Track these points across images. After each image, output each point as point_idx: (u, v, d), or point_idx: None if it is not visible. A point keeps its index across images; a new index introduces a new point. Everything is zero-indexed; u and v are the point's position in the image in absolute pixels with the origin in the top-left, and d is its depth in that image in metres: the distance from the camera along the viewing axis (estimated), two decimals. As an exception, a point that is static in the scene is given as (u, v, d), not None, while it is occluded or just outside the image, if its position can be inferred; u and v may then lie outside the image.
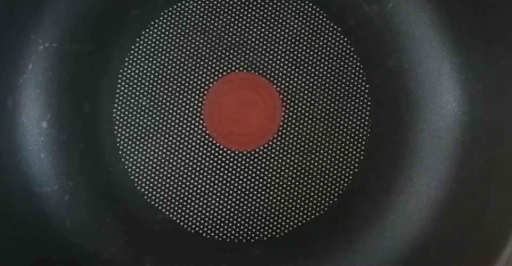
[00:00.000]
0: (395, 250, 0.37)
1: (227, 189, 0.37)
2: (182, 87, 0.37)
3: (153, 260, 0.37)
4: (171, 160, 0.37)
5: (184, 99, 0.37)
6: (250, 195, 0.37)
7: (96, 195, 0.37)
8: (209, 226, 0.37)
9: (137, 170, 0.37)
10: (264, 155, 0.37)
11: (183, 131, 0.37)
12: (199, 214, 0.37)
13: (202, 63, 0.38)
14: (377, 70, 0.38)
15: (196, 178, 0.37)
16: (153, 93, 0.37)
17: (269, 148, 0.37)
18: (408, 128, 0.38)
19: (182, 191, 0.37)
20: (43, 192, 0.37)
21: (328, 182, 0.38)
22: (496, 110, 0.36)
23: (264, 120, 0.38)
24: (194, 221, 0.37)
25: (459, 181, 0.37)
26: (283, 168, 0.37)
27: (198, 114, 0.37)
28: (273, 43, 0.38)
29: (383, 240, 0.37)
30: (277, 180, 0.37)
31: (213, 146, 0.37)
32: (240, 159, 0.37)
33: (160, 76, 0.38)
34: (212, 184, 0.37)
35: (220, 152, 0.37)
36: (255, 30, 0.38)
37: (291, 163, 0.38)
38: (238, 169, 0.37)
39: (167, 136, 0.37)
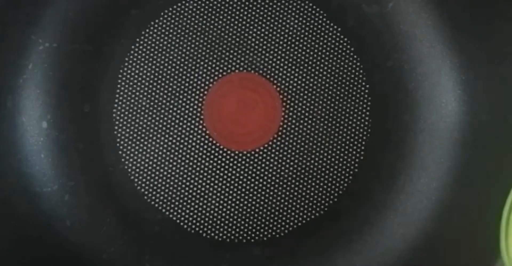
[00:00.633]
0: (395, 250, 0.37)
1: (227, 189, 0.37)
2: (182, 87, 0.37)
3: (153, 260, 0.37)
4: (171, 160, 0.37)
5: (184, 99, 0.37)
6: (250, 195, 0.37)
7: (96, 195, 0.37)
8: (209, 226, 0.37)
9: (137, 170, 0.37)
10: (264, 155, 0.37)
11: (183, 131, 0.37)
12: (199, 214, 0.37)
13: (202, 63, 0.38)
14: (377, 70, 0.38)
15: (196, 178, 0.37)
16: (153, 93, 0.37)
17: (269, 148, 0.37)
18: (408, 128, 0.38)
19: (182, 191, 0.37)
20: (43, 192, 0.37)
21: (328, 182, 0.38)
22: (496, 110, 0.36)
23: (264, 120, 0.37)
24: (194, 221, 0.37)
25: (459, 181, 0.37)
26: (283, 168, 0.37)
27: (198, 114, 0.37)
28: (273, 43, 0.38)
29: (383, 240, 0.37)
30: (277, 180, 0.37)
31: (213, 146, 0.37)
32: (240, 159, 0.37)
33: (160, 76, 0.37)
34: (212, 184, 0.37)
35: (220, 152, 0.37)
36: (255, 30, 0.38)
37: (291, 163, 0.38)
38: (238, 169, 0.37)
39: (167, 136, 0.37)
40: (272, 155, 0.37)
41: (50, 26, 0.37)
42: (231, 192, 0.37)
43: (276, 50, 0.38)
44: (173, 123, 0.37)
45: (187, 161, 0.37)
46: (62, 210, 0.37)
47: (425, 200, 0.37)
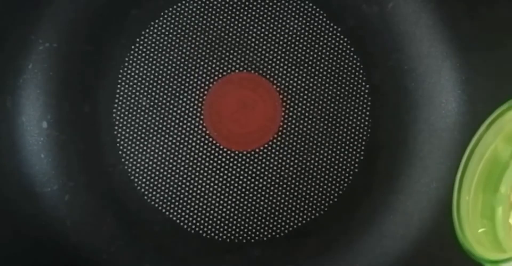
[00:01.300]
0: (395, 251, 0.37)
1: (227, 189, 0.37)
2: (182, 87, 0.37)
3: (153, 260, 0.37)
4: (171, 160, 0.37)
5: (184, 99, 0.37)
6: (250, 195, 0.37)
7: (96, 195, 0.37)
8: (209, 227, 0.37)
9: (137, 170, 0.37)
10: (264, 155, 0.37)
11: (183, 131, 0.37)
12: (199, 214, 0.37)
13: (202, 63, 0.38)
14: (377, 70, 0.38)
15: (196, 178, 0.37)
16: (153, 93, 0.37)
17: (269, 148, 0.37)
18: (408, 128, 0.38)
19: (182, 191, 0.37)
20: (43, 192, 0.37)
21: (328, 182, 0.38)
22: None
23: (264, 120, 0.37)
24: (194, 221, 0.37)
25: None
26: (283, 168, 0.37)
27: (198, 114, 0.37)
28: (273, 43, 0.38)
29: (383, 241, 0.37)
30: (277, 180, 0.37)
31: (213, 146, 0.37)
32: (240, 159, 0.37)
33: (160, 76, 0.37)
34: (212, 184, 0.37)
35: (220, 152, 0.37)
36: (255, 30, 0.38)
37: (291, 163, 0.38)
38: (238, 169, 0.37)
39: (167, 136, 0.37)
40: (272, 155, 0.37)
41: (50, 26, 0.37)
42: (231, 192, 0.37)
43: (276, 50, 0.38)
44: (173, 123, 0.37)
45: (187, 161, 0.37)
46: (62, 210, 0.37)
47: (425, 200, 0.37)
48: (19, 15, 0.36)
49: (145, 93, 0.37)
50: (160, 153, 0.37)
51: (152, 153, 0.37)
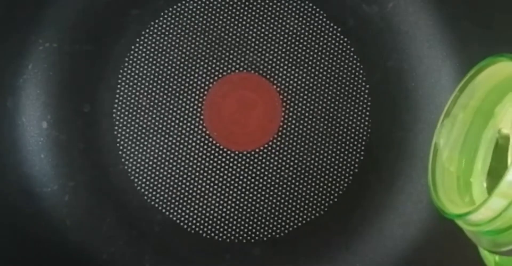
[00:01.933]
0: (395, 251, 0.37)
1: (227, 189, 0.37)
2: (182, 87, 0.37)
3: (153, 260, 0.37)
4: (171, 160, 0.37)
5: (184, 99, 0.37)
6: (250, 195, 0.37)
7: (96, 195, 0.37)
8: (209, 226, 0.37)
9: (137, 170, 0.37)
10: (264, 156, 0.37)
11: (183, 131, 0.37)
12: (199, 214, 0.37)
13: (202, 63, 0.38)
14: (377, 70, 0.38)
15: (196, 178, 0.37)
16: (153, 93, 0.37)
17: (269, 148, 0.37)
18: (408, 128, 0.38)
19: (182, 191, 0.37)
20: (43, 192, 0.37)
21: (328, 182, 0.38)
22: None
23: (264, 120, 0.37)
24: (194, 221, 0.37)
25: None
26: (283, 168, 0.37)
27: (198, 114, 0.37)
28: (273, 43, 0.38)
29: (383, 240, 0.37)
30: (277, 180, 0.37)
31: (213, 146, 0.37)
32: (240, 160, 0.37)
33: (160, 76, 0.37)
34: (212, 184, 0.37)
35: (220, 152, 0.37)
36: (255, 30, 0.38)
37: (291, 163, 0.38)
38: (238, 169, 0.37)
39: (167, 136, 0.37)
40: (272, 155, 0.37)
41: (50, 26, 0.37)
42: (231, 192, 0.37)
43: (276, 50, 0.38)
44: (173, 123, 0.37)
45: (187, 161, 0.37)
46: (62, 210, 0.37)
47: (425, 200, 0.37)
48: (19, 15, 0.36)
49: (145, 93, 0.37)
50: (160, 153, 0.37)
51: (152, 153, 0.37)
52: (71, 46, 0.37)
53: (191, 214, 0.37)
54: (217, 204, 0.37)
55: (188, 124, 0.37)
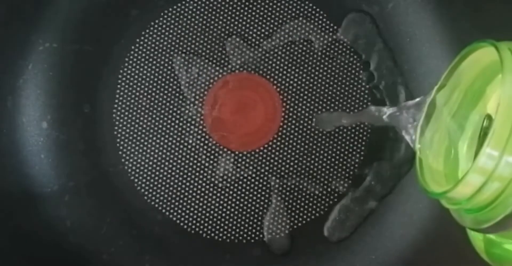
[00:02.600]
0: (395, 251, 0.37)
1: (227, 190, 0.37)
2: (182, 87, 0.37)
3: (153, 260, 0.37)
4: (171, 160, 0.37)
5: (184, 99, 0.37)
6: (250, 195, 0.37)
7: (96, 195, 0.37)
8: (209, 227, 0.37)
9: (137, 170, 0.37)
10: (264, 156, 0.37)
11: (183, 131, 0.37)
12: (199, 214, 0.37)
13: (202, 63, 0.38)
14: (377, 71, 0.38)
15: (197, 179, 0.37)
16: (153, 93, 0.37)
17: (269, 148, 0.37)
18: (408, 128, 0.38)
19: (182, 191, 0.37)
20: (44, 193, 0.37)
21: (328, 182, 0.38)
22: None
23: (264, 120, 0.37)
24: (194, 221, 0.37)
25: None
26: (283, 168, 0.37)
27: (198, 114, 0.37)
28: (273, 43, 0.38)
29: (383, 240, 0.37)
30: (277, 180, 0.37)
31: (213, 147, 0.37)
32: (240, 160, 0.37)
33: (160, 77, 0.37)
34: (212, 184, 0.37)
35: (220, 152, 0.37)
36: (255, 30, 0.38)
37: (291, 164, 0.38)
38: (238, 169, 0.37)
39: (167, 136, 0.37)
40: (272, 156, 0.37)
41: (50, 26, 0.37)
42: (231, 192, 0.37)
43: (276, 50, 0.38)
44: (173, 123, 0.37)
45: (187, 161, 0.37)
46: (62, 211, 0.37)
47: (425, 200, 0.37)
48: (19, 15, 0.36)
49: (145, 93, 0.37)
50: (160, 153, 0.37)
51: (152, 153, 0.37)
52: (71, 46, 0.37)
53: (191, 214, 0.37)
54: (217, 204, 0.37)
55: (188, 124, 0.37)
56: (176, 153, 0.37)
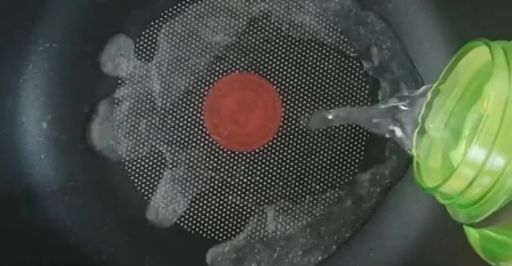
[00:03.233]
0: (395, 251, 0.37)
1: (227, 189, 0.37)
2: (182, 87, 0.37)
3: (153, 260, 0.37)
4: (171, 161, 0.37)
5: (184, 99, 0.37)
6: (250, 195, 0.37)
7: (96, 195, 0.37)
8: (209, 226, 0.37)
9: (137, 170, 0.37)
10: (264, 156, 0.37)
11: (183, 131, 0.37)
12: (199, 214, 0.37)
13: (202, 63, 0.38)
14: (377, 71, 0.38)
15: (197, 179, 0.37)
16: (153, 93, 0.37)
17: (269, 148, 0.37)
18: (408, 128, 0.38)
19: (183, 191, 0.37)
20: (44, 193, 0.37)
21: (328, 182, 0.38)
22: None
23: (264, 121, 0.38)
24: (194, 221, 0.37)
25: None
26: (283, 168, 0.38)
27: (198, 114, 0.37)
28: (273, 43, 0.38)
29: (383, 241, 0.37)
30: (277, 181, 0.37)
31: (213, 147, 0.37)
32: (240, 160, 0.37)
33: (160, 76, 0.37)
34: (212, 184, 0.37)
35: (220, 152, 0.37)
36: (255, 30, 0.38)
37: (291, 164, 0.38)
38: (238, 169, 0.37)
39: (167, 136, 0.37)
40: (272, 156, 0.37)
41: (50, 26, 0.37)
42: (231, 192, 0.37)
43: (276, 50, 0.38)
44: (173, 123, 0.37)
45: (187, 161, 0.37)
46: (62, 211, 0.37)
47: (425, 200, 0.37)
48: (19, 15, 0.36)
49: (145, 93, 0.37)
50: (160, 153, 0.37)
51: (152, 153, 0.37)
52: (71, 46, 0.37)
53: (191, 214, 0.37)
54: (217, 204, 0.37)
55: (188, 124, 0.37)
56: (176, 153, 0.37)
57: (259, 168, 0.37)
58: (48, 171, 0.37)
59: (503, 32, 0.36)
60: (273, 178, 0.37)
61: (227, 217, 0.37)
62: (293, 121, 0.38)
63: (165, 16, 0.38)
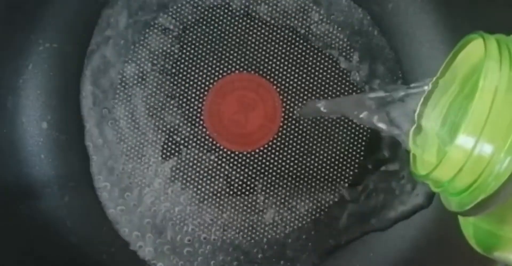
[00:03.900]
0: (395, 251, 0.37)
1: (227, 190, 0.37)
2: (183, 87, 0.37)
3: (153, 260, 0.37)
4: (171, 161, 0.37)
5: (185, 99, 0.37)
6: (250, 195, 0.37)
7: (96, 195, 0.37)
8: (209, 227, 0.37)
9: (137, 170, 0.37)
10: (264, 156, 0.37)
11: (183, 131, 0.37)
12: (199, 214, 0.37)
13: (202, 63, 0.38)
14: (377, 71, 0.38)
15: (197, 178, 0.37)
16: (153, 93, 0.37)
17: (269, 148, 0.37)
18: (408, 128, 0.38)
19: (183, 191, 0.37)
20: (44, 193, 0.37)
21: (328, 182, 0.38)
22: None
23: (264, 121, 0.38)
24: (194, 221, 0.37)
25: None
26: (283, 168, 0.38)
27: (198, 114, 0.37)
28: (274, 43, 0.38)
29: (383, 240, 0.37)
30: (277, 181, 0.37)
31: (214, 147, 0.37)
32: (240, 160, 0.37)
33: (160, 77, 0.37)
34: (212, 184, 0.37)
35: (220, 152, 0.37)
36: (255, 30, 0.38)
37: (291, 164, 0.38)
38: (238, 170, 0.37)
39: (167, 136, 0.37)
40: (272, 156, 0.37)
41: (50, 26, 0.37)
42: (231, 192, 0.37)
43: (276, 50, 0.38)
44: (173, 124, 0.37)
45: (187, 161, 0.37)
46: (62, 211, 0.37)
47: (425, 200, 0.37)
48: (20, 15, 0.36)
49: (145, 93, 0.37)
50: (160, 153, 0.37)
51: (152, 153, 0.37)
52: (71, 46, 0.37)
53: (191, 214, 0.37)
54: (217, 204, 0.37)
55: (188, 124, 0.37)
56: (176, 153, 0.37)
57: (258, 168, 0.37)
58: (48, 171, 0.37)
59: (503, 32, 0.36)
60: (273, 178, 0.37)
61: (227, 217, 0.37)
62: (293, 121, 0.38)
63: (165, 16, 0.38)
